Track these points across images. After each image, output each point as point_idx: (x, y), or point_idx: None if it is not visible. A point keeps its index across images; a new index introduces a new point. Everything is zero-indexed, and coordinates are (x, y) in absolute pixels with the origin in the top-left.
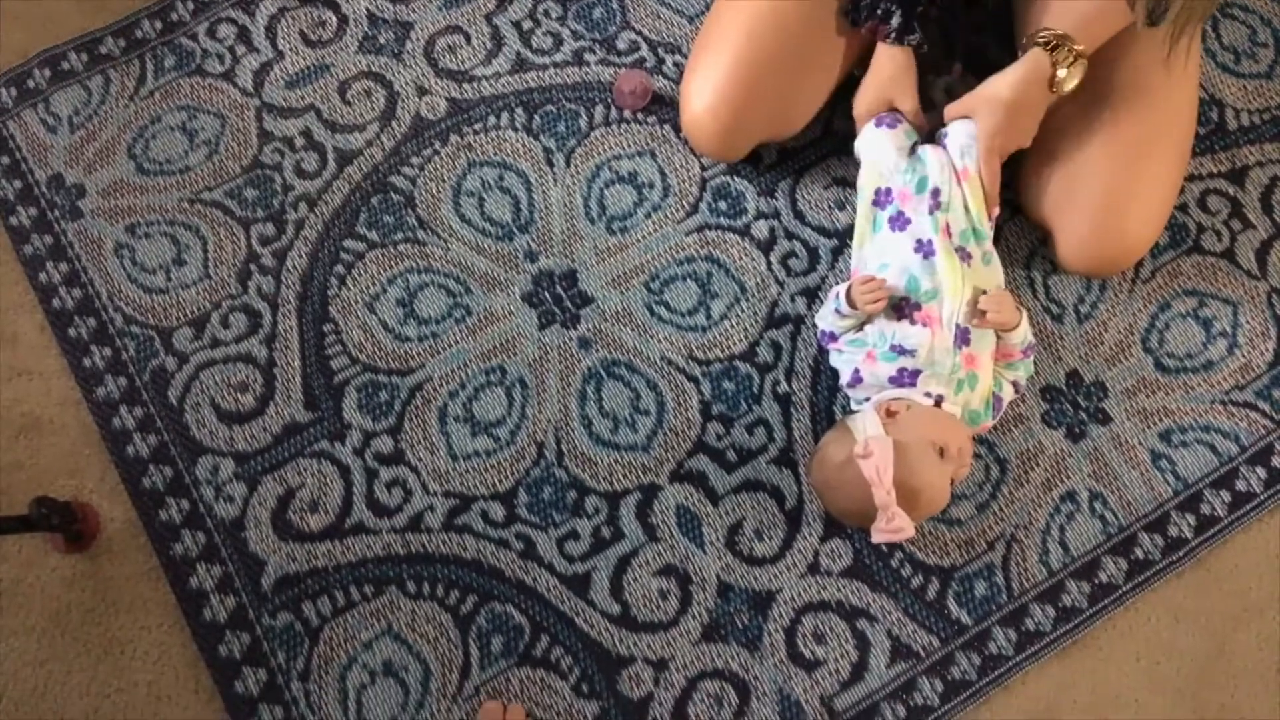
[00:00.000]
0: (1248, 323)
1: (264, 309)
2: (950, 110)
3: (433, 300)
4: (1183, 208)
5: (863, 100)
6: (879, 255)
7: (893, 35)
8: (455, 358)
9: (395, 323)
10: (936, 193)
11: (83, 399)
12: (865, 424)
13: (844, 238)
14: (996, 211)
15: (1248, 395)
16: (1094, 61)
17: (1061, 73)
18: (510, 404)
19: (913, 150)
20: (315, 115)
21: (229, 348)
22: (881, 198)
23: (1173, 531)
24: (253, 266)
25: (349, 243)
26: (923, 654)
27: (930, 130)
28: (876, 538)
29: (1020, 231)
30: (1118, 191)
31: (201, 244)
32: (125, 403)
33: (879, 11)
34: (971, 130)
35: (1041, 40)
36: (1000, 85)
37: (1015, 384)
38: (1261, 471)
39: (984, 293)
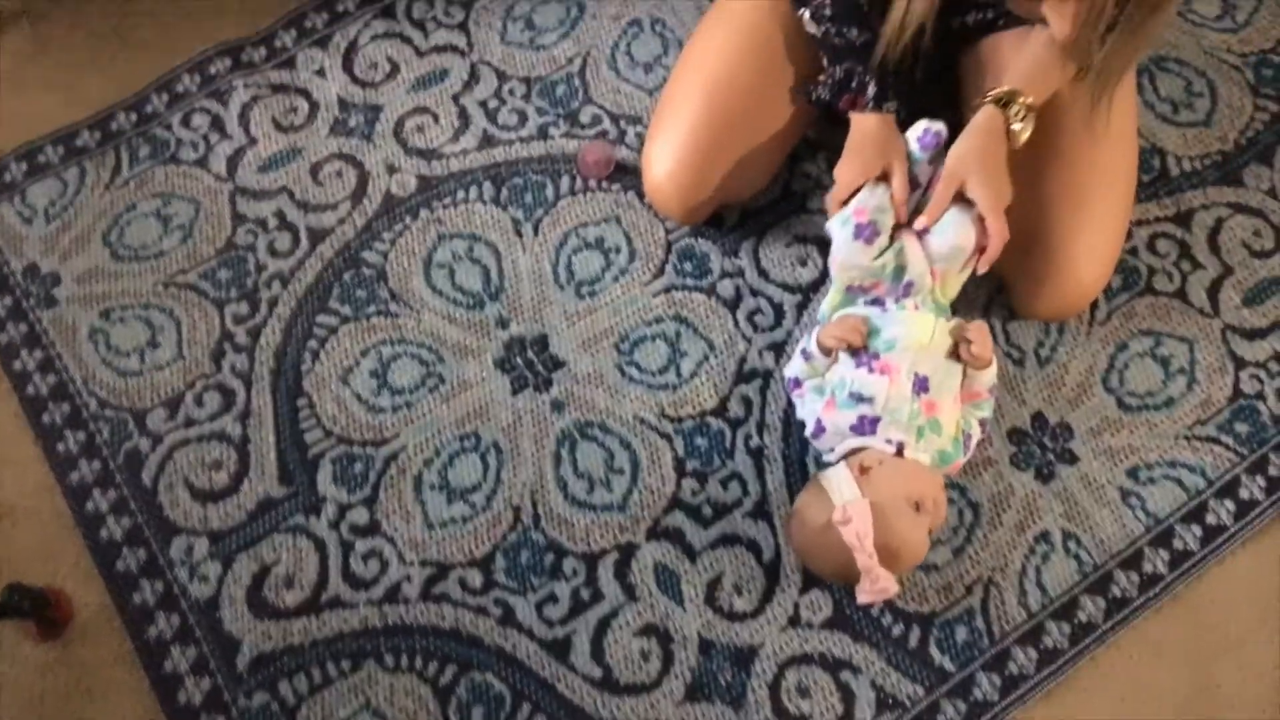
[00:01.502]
0: (1204, 359)
1: (238, 386)
2: (934, 207)
3: (406, 370)
4: (1133, 251)
5: (850, 169)
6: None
7: (870, 104)
8: (429, 426)
9: (369, 394)
10: (910, 285)
11: (56, 485)
12: (841, 486)
13: (808, 293)
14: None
15: (1210, 430)
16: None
17: (1016, 125)
18: (485, 470)
19: (892, 238)
20: (288, 196)
21: (203, 426)
22: (856, 289)
23: (1147, 568)
24: (226, 345)
25: (322, 318)
26: (908, 704)
27: (911, 209)
28: (862, 599)
29: (977, 280)
30: (1066, 237)
31: (175, 326)
32: (99, 486)
33: (853, 85)
34: (954, 241)
35: (993, 98)
36: (966, 144)
37: (982, 423)
38: (1230, 504)
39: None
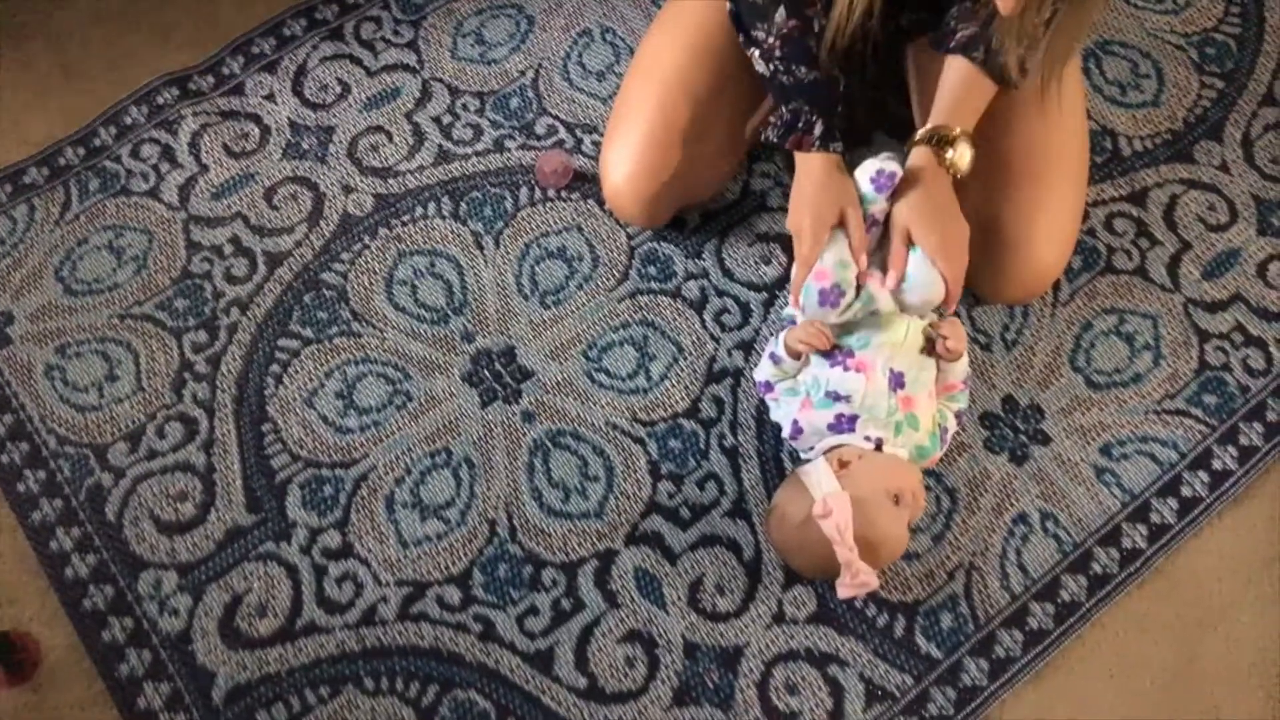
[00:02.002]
0: (1169, 334)
1: (200, 415)
2: (894, 263)
3: (372, 390)
4: (1091, 232)
5: (803, 218)
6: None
7: (816, 144)
8: (399, 444)
9: (335, 415)
10: (875, 312)
11: (18, 525)
12: (820, 479)
13: (773, 290)
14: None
15: (1179, 403)
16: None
17: (950, 154)
18: (458, 485)
19: (858, 287)
20: (243, 222)
21: (166, 458)
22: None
23: (1126, 543)
24: (186, 375)
25: (284, 341)
26: (897, 694)
27: (872, 246)
28: (843, 593)
29: None
30: (1024, 220)
31: (133, 358)
32: (61, 525)
33: (800, 124)
34: (924, 297)
35: (922, 138)
36: (908, 197)
37: (958, 415)
38: (1204, 475)
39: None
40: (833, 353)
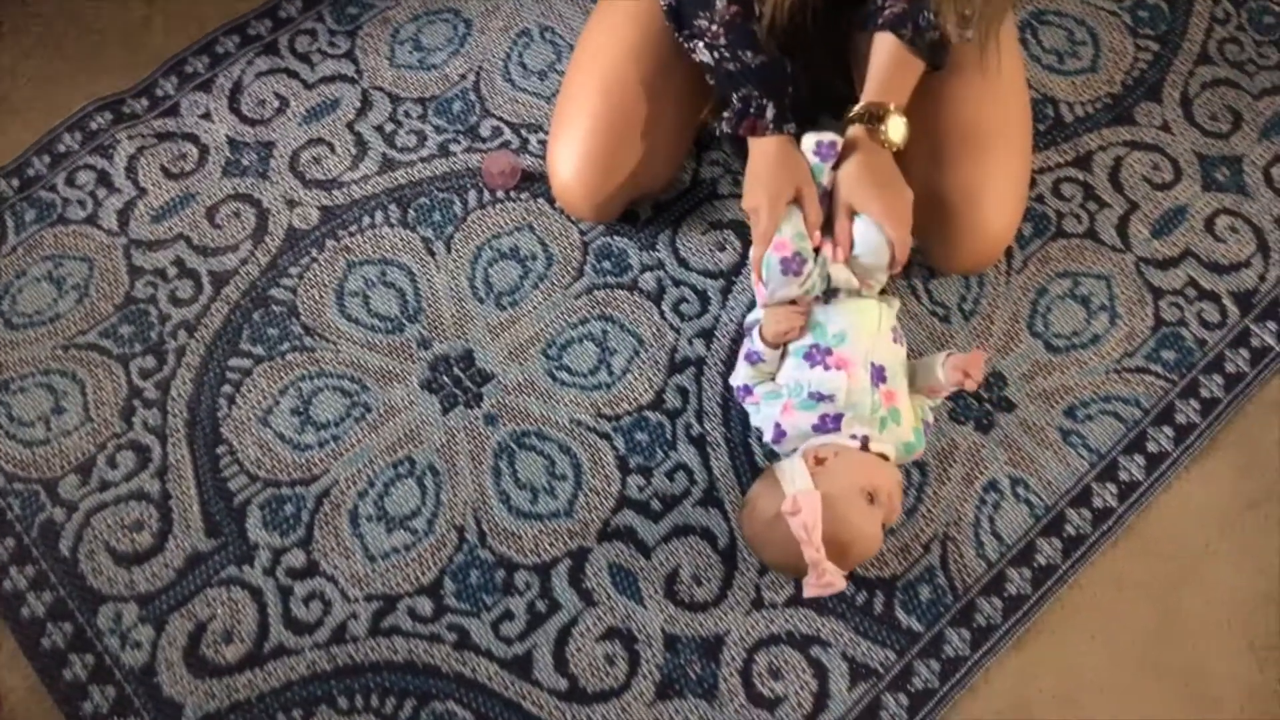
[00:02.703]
0: (1123, 293)
1: (152, 442)
2: (840, 238)
3: (329, 403)
4: (1039, 199)
5: (760, 196)
6: None
7: (770, 127)
8: (360, 457)
9: (292, 432)
10: (838, 292)
11: None
12: (794, 476)
13: (730, 277)
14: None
15: (1138, 360)
16: (919, 83)
17: (883, 129)
18: (423, 493)
19: (817, 252)
20: (185, 243)
21: (119, 488)
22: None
23: (1097, 503)
24: (136, 402)
25: (234, 361)
26: (882, 670)
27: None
28: (808, 592)
29: None
30: (971, 188)
31: (80, 388)
32: (15, 564)
33: (751, 109)
34: (871, 261)
35: (855, 117)
36: (846, 170)
37: (934, 409)
38: (1169, 430)
39: (893, 326)
40: (811, 353)
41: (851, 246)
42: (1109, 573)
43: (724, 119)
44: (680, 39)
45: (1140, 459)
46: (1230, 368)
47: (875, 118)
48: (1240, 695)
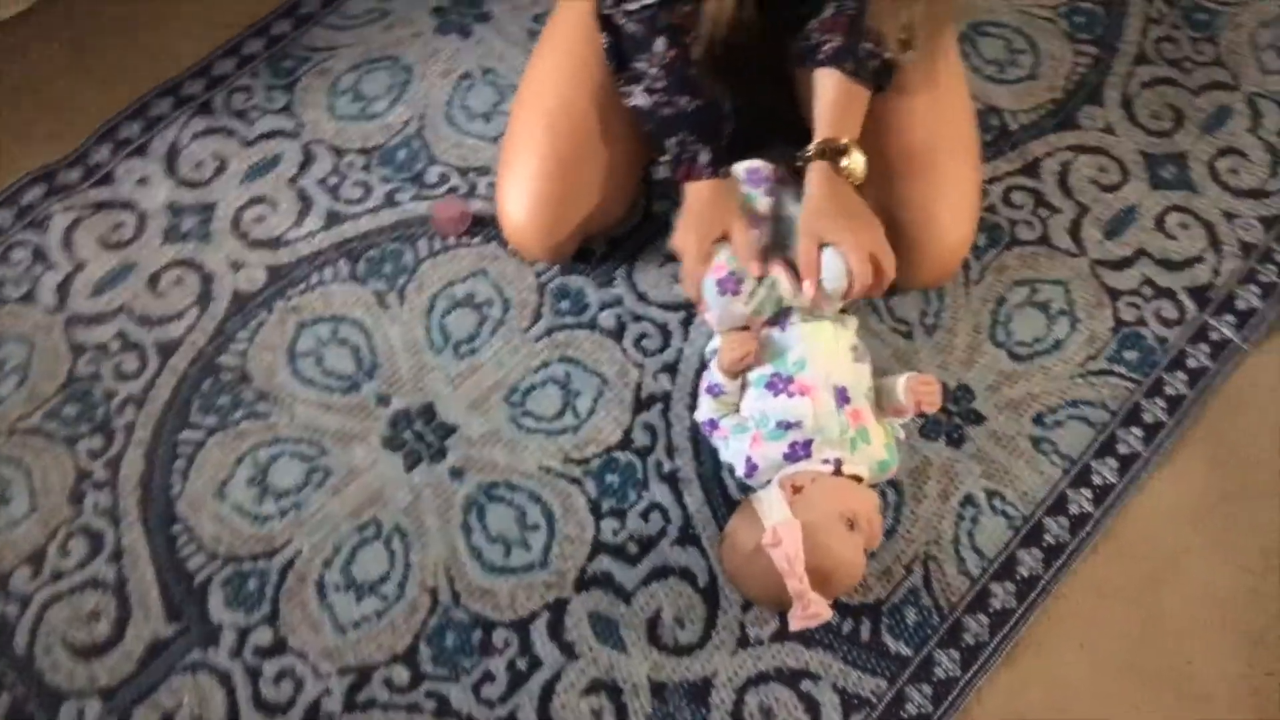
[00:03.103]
0: (1081, 297)
1: (104, 526)
2: (806, 272)
3: (287, 470)
4: (991, 209)
5: (689, 234)
6: None
7: (707, 172)
8: (323, 524)
9: (251, 504)
10: (790, 310)
11: None
12: (771, 506)
13: (690, 309)
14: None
15: (1101, 363)
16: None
17: (845, 163)
18: (391, 557)
19: (760, 279)
20: (128, 315)
21: (73, 577)
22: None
23: (1074, 509)
24: (85, 485)
25: (186, 434)
26: (874, 699)
27: (764, 243)
28: (795, 625)
29: None
30: (924, 203)
31: (25, 475)
32: None
33: (686, 156)
34: (832, 287)
35: (814, 154)
36: (810, 205)
37: (904, 425)
38: (1138, 430)
39: (854, 347)
40: (773, 382)
41: (819, 274)
42: (1090, 580)
43: (662, 163)
44: (619, 83)
45: (1112, 462)
46: (1192, 363)
47: (836, 153)
48: (1229, 690)
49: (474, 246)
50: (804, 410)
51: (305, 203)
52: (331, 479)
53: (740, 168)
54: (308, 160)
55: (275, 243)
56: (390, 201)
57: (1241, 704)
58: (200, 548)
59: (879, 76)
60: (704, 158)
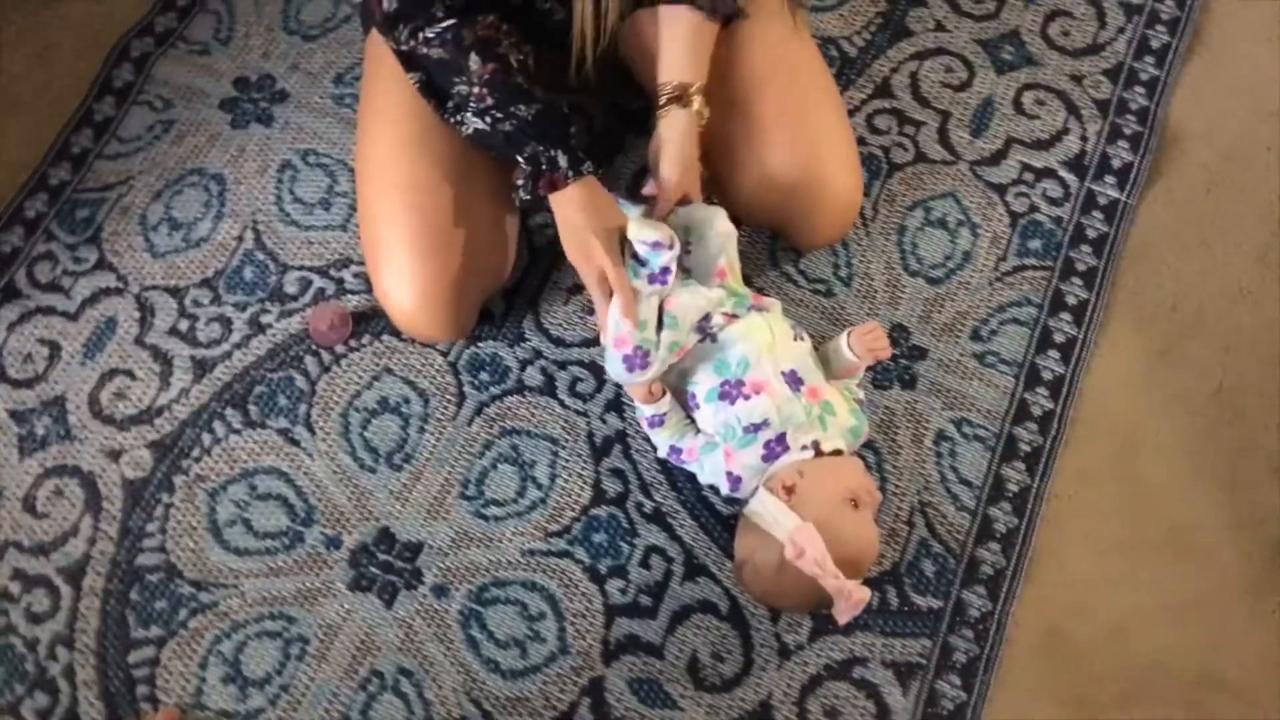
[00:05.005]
0: (972, 203)
1: None
2: (660, 205)
3: (261, 654)
4: (861, 141)
5: (586, 242)
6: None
7: (569, 176)
8: (320, 696)
9: (234, 704)
10: (709, 317)
11: None
12: (776, 518)
13: None
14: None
15: (1012, 261)
16: (719, 67)
17: (695, 106)
18: (406, 703)
19: (660, 323)
20: (16, 550)
21: None
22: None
23: (1036, 410)
24: None
25: (134, 655)
26: (923, 660)
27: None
28: (844, 619)
29: (750, 240)
30: (809, 160)
31: None
32: None
33: (543, 164)
34: (722, 230)
35: (670, 99)
36: (670, 144)
37: (860, 385)
38: (1066, 315)
39: (791, 326)
40: (725, 390)
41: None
42: (1072, 472)
43: (519, 187)
44: (444, 117)
45: (1054, 353)
46: (1092, 233)
47: (690, 98)
48: (1226, 536)
49: (366, 347)
50: (765, 407)
51: (164, 361)
52: (311, 646)
53: (635, 235)
54: (146, 313)
55: (148, 415)
56: (257, 328)
57: (1240, 544)
58: None
59: (730, 7)
60: (562, 161)
